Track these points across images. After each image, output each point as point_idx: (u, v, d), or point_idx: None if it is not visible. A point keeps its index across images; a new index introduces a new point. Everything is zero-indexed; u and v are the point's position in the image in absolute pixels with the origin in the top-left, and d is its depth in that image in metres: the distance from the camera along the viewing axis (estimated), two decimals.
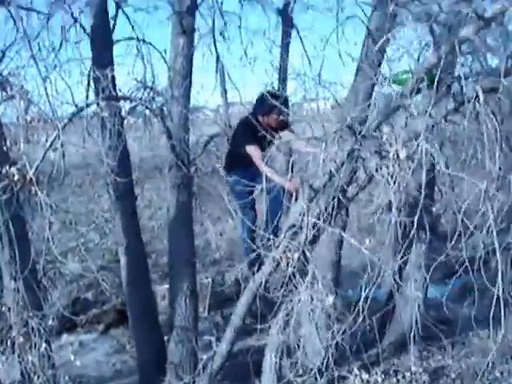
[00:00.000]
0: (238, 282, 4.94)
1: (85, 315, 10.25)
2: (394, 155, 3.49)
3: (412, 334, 4.76)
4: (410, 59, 3.91)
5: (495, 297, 3.57)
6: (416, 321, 5.04)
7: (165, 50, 6.64)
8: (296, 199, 4.44)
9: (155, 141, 7.41)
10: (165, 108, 5.68)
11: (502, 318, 3.59)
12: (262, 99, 5.24)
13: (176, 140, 5.81)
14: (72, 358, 5.68)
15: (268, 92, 5.14)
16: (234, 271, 4.82)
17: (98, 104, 4.47)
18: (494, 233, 3.38)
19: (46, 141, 4.30)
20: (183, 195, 6.33)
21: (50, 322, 5.10)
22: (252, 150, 5.05)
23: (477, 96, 3.23)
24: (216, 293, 9.95)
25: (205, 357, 5.25)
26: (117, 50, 7.12)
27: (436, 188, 7.15)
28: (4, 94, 4.71)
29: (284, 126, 5.23)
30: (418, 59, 3.78)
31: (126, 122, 6.52)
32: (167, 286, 7.43)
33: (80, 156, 6.85)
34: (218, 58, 7.12)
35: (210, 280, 10.09)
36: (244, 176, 5.18)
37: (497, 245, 3.40)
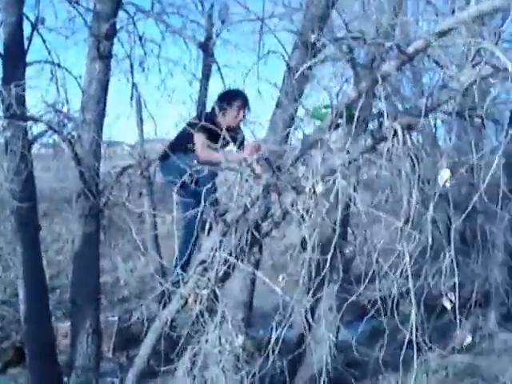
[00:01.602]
0: (146, 320, 4.68)
1: None
2: (310, 190, 3.39)
3: (322, 378, 4.63)
4: (329, 95, 3.86)
5: (407, 340, 3.48)
6: (326, 364, 4.91)
7: (80, 76, 6.43)
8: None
9: (66, 171, 7.11)
10: (75, 133, 5.43)
11: (415, 361, 3.50)
12: (223, 94, 5.06)
13: (85, 167, 5.55)
14: None
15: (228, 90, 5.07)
16: (141, 309, 4.55)
17: None
18: (410, 274, 3.31)
19: None
20: (90, 226, 6.05)
21: None
22: (197, 138, 4.58)
23: (395, 133, 3.19)
24: (122, 332, 9.57)
25: None
26: (30, 72, 6.87)
27: (349, 229, 7.18)
28: None
29: (237, 127, 4.93)
30: (338, 95, 3.73)
31: (34, 150, 6.23)
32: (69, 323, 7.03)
33: None
34: (134, 85, 6.93)
35: (116, 318, 9.69)
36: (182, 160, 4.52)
37: (411, 287, 3.32)
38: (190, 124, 4.74)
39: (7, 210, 6.68)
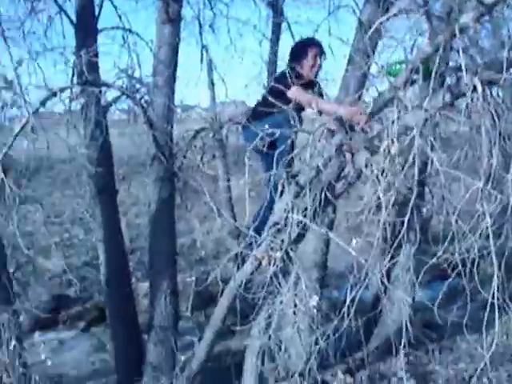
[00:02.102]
0: (222, 281, 4.73)
1: (66, 312, 10.08)
2: (385, 150, 3.29)
3: (399, 339, 4.57)
4: (403, 50, 3.71)
5: (488, 301, 3.38)
6: (404, 325, 4.85)
7: (151, 40, 6.45)
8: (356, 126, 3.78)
9: (141, 136, 7.20)
10: (147, 98, 5.47)
11: (496, 322, 3.39)
12: (295, 45, 4.85)
13: (158, 131, 5.60)
14: (43, 357, 5.45)
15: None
16: (217, 270, 4.59)
17: (71, 89, 4.23)
18: (491, 235, 3.19)
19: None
20: (165, 190, 6.12)
21: (21, 319, 4.88)
22: (293, 91, 4.26)
23: (474, 89, 3.04)
24: (200, 292, 9.74)
25: (183, 358, 5.05)
26: (102, 38, 6.95)
27: (427, 188, 6.98)
28: None
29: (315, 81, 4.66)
30: (412, 49, 3.58)
31: (109, 115, 6.33)
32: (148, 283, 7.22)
33: (67, 150, 6.68)
34: (204, 47, 6.90)
35: (193, 279, 9.87)
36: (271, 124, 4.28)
37: (492, 247, 3.20)
38: (279, 81, 4.45)
39: (85, 175, 6.85)
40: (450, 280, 4.04)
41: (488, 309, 3.32)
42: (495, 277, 3.21)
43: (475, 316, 3.82)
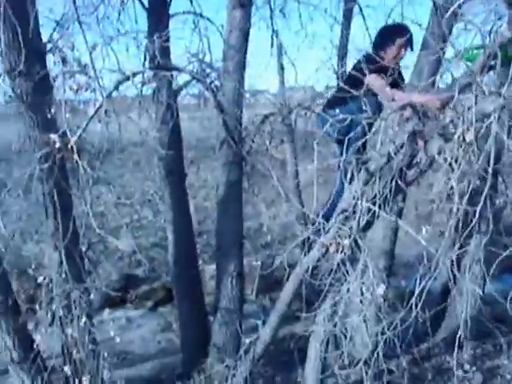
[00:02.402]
0: (288, 266, 4.73)
1: (134, 291, 10.33)
2: (459, 137, 3.20)
3: (467, 331, 4.47)
4: (480, 35, 3.58)
5: None
6: (472, 317, 4.74)
7: (222, 25, 6.47)
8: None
9: (211, 121, 7.25)
10: (218, 82, 5.50)
11: None
12: (383, 30, 4.57)
13: (228, 116, 5.63)
14: (112, 334, 5.60)
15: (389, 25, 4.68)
16: (283, 255, 4.60)
17: (143, 73, 4.30)
18: None
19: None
20: (234, 174, 6.17)
21: (92, 296, 5.03)
22: (373, 78, 4.06)
23: None
24: (265, 276, 9.80)
25: (248, 341, 5.08)
26: (174, 23, 7.01)
27: (500, 178, 6.76)
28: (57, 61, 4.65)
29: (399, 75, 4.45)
30: (490, 34, 3.45)
31: (180, 99, 6.39)
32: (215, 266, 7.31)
33: (137, 133, 6.83)
34: (274, 32, 6.87)
35: (259, 263, 9.93)
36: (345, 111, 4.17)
37: None
38: (356, 68, 4.29)
39: (155, 158, 6.96)
40: None
41: None
42: None
43: None
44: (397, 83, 4.23)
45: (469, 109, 3.22)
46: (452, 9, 3.20)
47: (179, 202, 6.94)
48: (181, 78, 6.04)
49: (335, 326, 4.38)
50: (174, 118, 6.17)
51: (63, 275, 4.76)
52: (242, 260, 6.62)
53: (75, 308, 4.74)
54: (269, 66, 7.11)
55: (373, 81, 4.07)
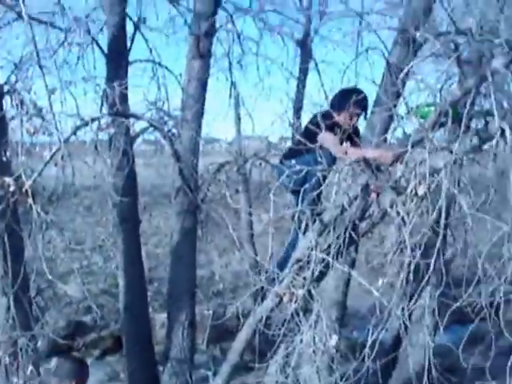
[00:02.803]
0: (241, 316, 4.71)
1: (82, 339, 10.07)
2: (411, 191, 3.30)
3: (419, 382, 4.51)
4: (432, 93, 3.73)
5: None
6: (423, 367, 4.78)
7: (180, 74, 6.57)
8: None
9: (166, 168, 7.26)
10: (175, 130, 5.55)
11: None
12: (341, 93, 4.66)
13: (184, 164, 5.66)
14: None
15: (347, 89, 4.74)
16: (236, 304, 4.58)
17: (98, 119, 4.31)
18: None
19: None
20: (188, 222, 6.17)
21: (39, 344, 4.89)
22: (326, 135, 4.17)
23: (502, 133, 3.05)
24: (217, 325, 9.70)
25: None
26: (133, 70, 7.08)
27: (449, 231, 6.92)
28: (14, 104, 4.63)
29: (354, 130, 4.55)
30: (441, 92, 3.60)
31: (136, 146, 6.41)
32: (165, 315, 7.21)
33: (91, 178, 6.78)
34: (232, 84, 7.01)
35: (210, 312, 9.84)
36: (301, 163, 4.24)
37: None
38: (313, 123, 4.41)
39: (109, 204, 6.91)
40: (470, 324, 4.01)
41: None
42: None
43: (496, 362, 3.77)
44: (351, 137, 4.34)
45: (421, 163, 3.32)
46: (406, 70, 3.33)
47: (132, 249, 6.87)
48: (138, 125, 6.07)
49: (287, 377, 4.36)
50: (130, 165, 6.16)
51: (10, 321, 4.61)
52: (194, 309, 6.56)
53: (22, 356, 4.58)
54: (226, 115, 7.24)
55: (325, 138, 4.17)
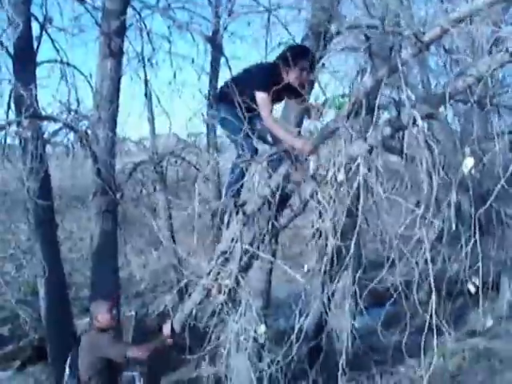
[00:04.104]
0: (163, 314, 4.73)
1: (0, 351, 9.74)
2: (331, 179, 3.43)
3: (342, 364, 4.67)
4: (343, 84, 3.89)
5: (426, 324, 3.51)
6: (347, 349, 4.98)
7: (90, 75, 6.49)
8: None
9: (78, 170, 7.14)
10: (90, 131, 5.49)
11: (435, 345, 3.53)
12: (290, 49, 4.29)
13: (102, 164, 5.60)
14: None
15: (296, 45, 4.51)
16: (159, 303, 4.60)
17: (19, 123, 4.21)
18: (429, 259, 3.34)
19: None
20: (108, 223, 6.10)
21: None
22: (261, 98, 4.07)
23: (414, 122, 3.22)
24: (140, 326, 9.64)
25: None
26: (41, 72, 6.93)
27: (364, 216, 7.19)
28: None
29: (302, 86, 4.20)
30: (353, 83, 3.77)
31: (48, 148, 6.28)
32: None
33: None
34: (146, 81, 6.98)
35: (133, 313, 9.76)
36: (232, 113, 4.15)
37: (431, 271, 3.34)
38: (250, 72, 4.31)
39: (20, 210, 6.74)
40: (388, 305, 4.19)
41: (425, 332, 3.45)
42: (432, 299, 3.34)
43: (414, 340, 3.95)
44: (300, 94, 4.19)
45: (339, 151, 3.47)
46: (321, 62, 3.46)
47: (50, 254, 6.72)
48: (50, 127, 5.95)
49: (219, 367, 4.43)
50: (44, 168, 6.03)
51: None
52: (119, 312, 6.50)
53: None
54: (142, 114, 7.21)
55: (260, 99, 4.09)
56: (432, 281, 3.51)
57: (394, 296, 3.87)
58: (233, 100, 4.04)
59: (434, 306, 3.48)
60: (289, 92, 4.22)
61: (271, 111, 4.11)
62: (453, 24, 2.88)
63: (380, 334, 4.01)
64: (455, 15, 2.91)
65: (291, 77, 4.18)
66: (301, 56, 4.14)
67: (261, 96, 4.10)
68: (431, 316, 3.51)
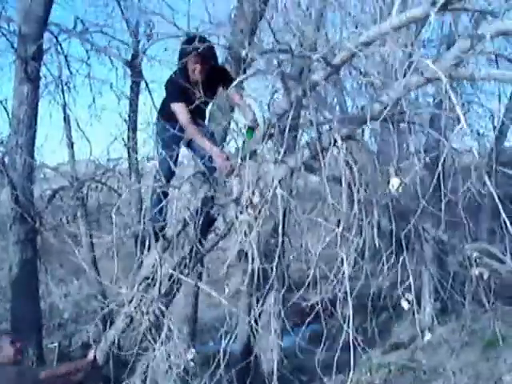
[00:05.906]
0: (87, 345, 4.60)
1: None
2: (247, 201, 3.45)
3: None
4: (260, 107, 3.94)
5: (350, 341, 3.57)
6: (274, 370, 4.98)
7: (6, 99, 6.34)
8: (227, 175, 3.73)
9: None
10: (7, 158, 5.33)
11: (352, 361, 3.60)
12: (181, 44, 4.12)
13: (20, 191, 5.44)
14: None
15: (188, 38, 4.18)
16: (82, 333, 4.48)
17: None
18: (347, 276, 3.39)
19: None
20: (28, 252, 5.91)
21: None
22: (176, 108, 3.98)
23: (335, 143, 3.29)
24: (63, 357, 9.34)
25: None
26: None
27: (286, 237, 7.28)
28: None
29: (209, 75, 4.08)
30: (269, 106, 3.81)
31: None
32: None
33: None
34: (64, 106, 6.86)
35: (56, 344, 9.45)
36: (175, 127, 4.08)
37: (348, 290, 3.39)
38: (166, 88, 4.18)
39: None
40: (312, 324, 4.24)
41: (348, 348, 3.51)
42: (350, 318, 3.39)
43: (340, 356, 4.00)
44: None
45: (254, 175, 3.50)
46: (234, 83, 3.49)
47: None
48: None
49: None
50: None
51: None
52: (42, 343, 6.29)
53: None
54: (62, 139, 7.06)
55: (177, 109, 4.00)
56: (350, 300, 3.56)
57: (320, 314, 3.93)
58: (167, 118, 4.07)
59: (353, 323, 3.54)
60: (210, 86, 4.11)
61: (190, 118, 3.97)
62: (360, 47, 2.97)
63: (300, 354, 4.04)
64: (362, 39, 3.01)
65: (194, 70, 4.05)
66: (187, 44, 3.95)
67: (175, 106, 4.02)
68: (357, 331, 3.58)
